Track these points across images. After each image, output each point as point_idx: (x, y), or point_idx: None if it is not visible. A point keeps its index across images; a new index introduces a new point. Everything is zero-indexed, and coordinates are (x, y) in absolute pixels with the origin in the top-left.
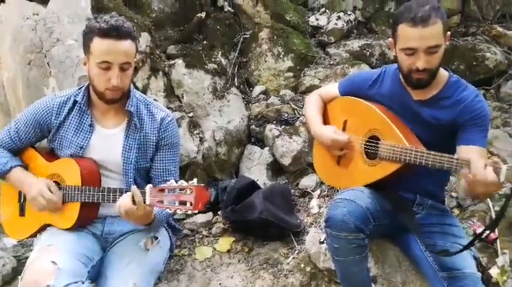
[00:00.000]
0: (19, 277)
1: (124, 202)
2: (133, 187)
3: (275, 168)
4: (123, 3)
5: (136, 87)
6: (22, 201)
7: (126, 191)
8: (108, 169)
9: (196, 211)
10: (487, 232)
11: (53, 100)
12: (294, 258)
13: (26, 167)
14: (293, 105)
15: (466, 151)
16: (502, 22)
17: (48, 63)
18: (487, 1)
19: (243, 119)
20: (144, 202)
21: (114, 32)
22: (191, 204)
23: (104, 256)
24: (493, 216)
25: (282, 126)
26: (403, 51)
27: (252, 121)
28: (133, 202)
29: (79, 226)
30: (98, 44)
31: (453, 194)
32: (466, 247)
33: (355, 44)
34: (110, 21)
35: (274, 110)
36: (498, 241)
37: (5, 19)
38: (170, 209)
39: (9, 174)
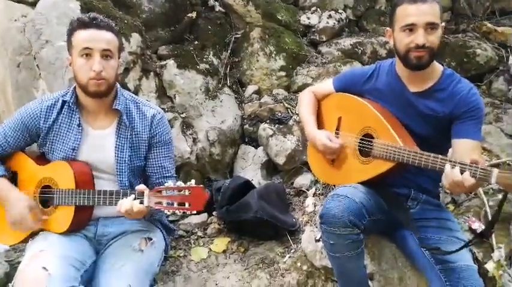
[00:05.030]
0: (10, 284)
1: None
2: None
3: (269, 167)
4: (113, 4)
5: (128, 89)
6: None
7: (121, 193)
8: (100, 170)
9: (195, 211)
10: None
11: (40, 104)
12: (290, 257)
13: (13, 173)
14: (286, 105)
15: (460, 145)
16: (491, 18)
17: (37, 65)
18: None
19: (236, 119)
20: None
21: (94, 21)
22: (189, 204)
23: (98, 259)
24: (488, 211)
25: (276, 126)
26: (402, 29)
27: (245, 121)
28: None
29: (73, 229)
30: (79, 34)
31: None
32: (462, 248)
33: (346, 42)
34: (90, 14)
35: (268, 109)
36: (493, 235)
37: None
38: (169, 211)
39: None
